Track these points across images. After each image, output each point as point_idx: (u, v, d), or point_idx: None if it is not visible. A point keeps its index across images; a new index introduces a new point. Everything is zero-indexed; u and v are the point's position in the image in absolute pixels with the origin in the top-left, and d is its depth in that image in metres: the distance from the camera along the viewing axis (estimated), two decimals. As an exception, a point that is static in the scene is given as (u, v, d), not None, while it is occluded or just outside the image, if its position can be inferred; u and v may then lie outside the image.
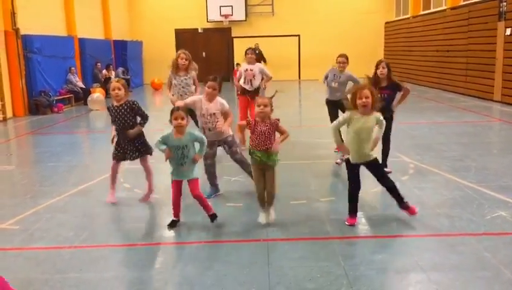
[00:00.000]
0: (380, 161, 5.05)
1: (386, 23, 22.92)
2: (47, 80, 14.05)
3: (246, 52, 8.24)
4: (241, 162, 5.57)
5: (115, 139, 5.24)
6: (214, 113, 5.35)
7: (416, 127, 9.74)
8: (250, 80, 8.05)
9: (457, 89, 15.57)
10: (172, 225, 4.67)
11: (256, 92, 8.07)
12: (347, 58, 7.31)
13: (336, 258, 3.91)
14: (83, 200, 5.60)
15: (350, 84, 7.26)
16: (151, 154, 5.40)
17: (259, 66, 8.29)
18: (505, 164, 6.77)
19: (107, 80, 17.38)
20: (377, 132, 4.60)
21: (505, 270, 3.62)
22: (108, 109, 5.30)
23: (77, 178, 6.55)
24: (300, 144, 8.20)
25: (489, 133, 9.60)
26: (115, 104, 5.19)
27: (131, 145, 5.24)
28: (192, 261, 3.96)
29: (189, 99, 5.62)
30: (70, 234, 4.56)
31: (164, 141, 4.60)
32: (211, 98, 5.36)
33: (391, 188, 4.70)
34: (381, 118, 4.56)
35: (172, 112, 4.59)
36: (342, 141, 4.77)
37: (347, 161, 4.67)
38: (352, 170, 4.65)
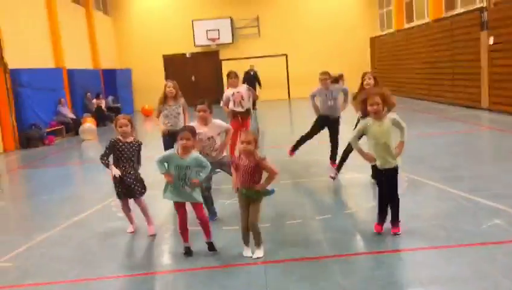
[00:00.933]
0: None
1: (372, 38, 23.23)
2: (37, 112, 14.04)
3: (228, 75, 8.27)
4: None
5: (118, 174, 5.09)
6: (212, 137, 5.35)
7: (408, 140, 9.79)
8: (240, 102, 8.10)
9: (445, 99, 15.72)
10: (188, 252, 4.55)
11: (247, 112, 8.11)
12: (328, 74, 7.48)
13: (334, 277, 3.88)
14: (78, 232, 5.54)
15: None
16: (143, 194, 5.29)
17: (244, 86, 8.37)
18: (497, 172, 6.80)
19: (99, 109, 17.42)
20: (400, 136, 4.57)
21: (504, 279, 3.61)
22: (113, 143, 5.09)
23: (71, 210, 6.49)
24: (291, 163, 8.20)
25: (479, 142, 9.68)
26: (123, 139, 5.11)
27: (129, 183, 5.12)
28: (189, 289, 3.91)
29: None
30: (65, 267, 4.50)
31: (166, 159, 4.50)
32: (203, 121, 5.38)
33: (394, 204, 4.66)
34: (397, 118, 4.54)
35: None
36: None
37: (374, 168, 4.63)
38: (380, 177, 4.64)
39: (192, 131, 4.55)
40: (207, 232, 4.61)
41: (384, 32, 22.35)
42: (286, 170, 7.73)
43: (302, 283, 3.83)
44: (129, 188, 5.12)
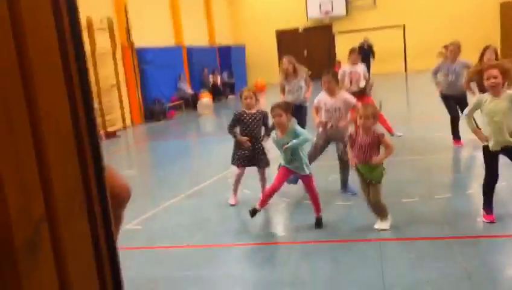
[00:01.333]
0: None
1: (502, 3, 21.14)
2: (160, 88, 15.01)
3: (350, 52, 8.09)
4: (345, 165, 5.39)
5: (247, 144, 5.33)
6: (339, 108, 5.30)
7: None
8: (357, 81, 7.91)
9: None
10: (254, 212, 4.63)
11: (362, 91, 7.89)
12: (458, 47, 6.88)
13: (454, 258, 3.69)
14: (197, 202, 5.89)
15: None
16: (268, 166, 5.48)
17: (362, 66, 8.15)
18: None
19: (215, 84, 18.14)
20: None
21: None
22: (239, 115, 5.38)
23: (190, 181, 6.90)
24: (409, 139, 7.85)
25: None
26: (247, 111, 5.37)
27: (253, 152, 5.36)
28: (303, 261, 3.98)
29: (316, 101, 5.59)
30: (187, 234, 4.82)
31: (274, 141, 4.68)
32: (330, 92, 5.34)
33: None
34: None
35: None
36: (478, 127, 4.41)
37: (484, 148, 4.30)
38: (490, 158, 4.26)
39: (282, 106, 4.56)
40: (317, 207, 4.58)
41: (516, -3, 20.20)
42: (405, 146, 7.41)
43: (420, 262, 3.69)
44: (256, 156, 5.33)
